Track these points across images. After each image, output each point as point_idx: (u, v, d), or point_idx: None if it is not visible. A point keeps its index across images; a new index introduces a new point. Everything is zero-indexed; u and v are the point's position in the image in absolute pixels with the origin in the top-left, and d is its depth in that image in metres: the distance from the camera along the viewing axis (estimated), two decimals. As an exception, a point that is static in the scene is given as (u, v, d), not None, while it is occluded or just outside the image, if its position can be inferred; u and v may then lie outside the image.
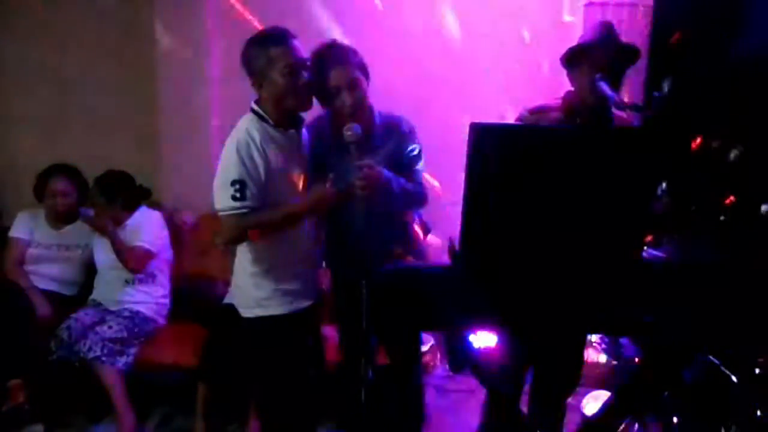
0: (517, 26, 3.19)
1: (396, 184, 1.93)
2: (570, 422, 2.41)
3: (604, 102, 1.87)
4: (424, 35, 3.22)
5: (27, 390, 2.66)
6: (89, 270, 3.03)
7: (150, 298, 2.91)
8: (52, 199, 2.97)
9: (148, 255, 2.86)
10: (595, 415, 2.44)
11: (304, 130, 2.01)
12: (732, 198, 1.80)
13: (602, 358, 3.07)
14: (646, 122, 1.80)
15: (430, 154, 2.13)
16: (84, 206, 2.91)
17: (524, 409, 2.31)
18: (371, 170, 1.83)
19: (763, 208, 1.76)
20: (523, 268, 1.43)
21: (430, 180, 2.12)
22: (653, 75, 2.62)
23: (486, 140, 1.37)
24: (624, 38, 1.99)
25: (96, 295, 2.93)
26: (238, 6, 3.17)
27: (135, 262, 2.82)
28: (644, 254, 1.53)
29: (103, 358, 2.60)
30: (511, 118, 2.14)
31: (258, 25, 1.90)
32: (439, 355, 3.19)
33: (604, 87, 1.81)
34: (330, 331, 2.65)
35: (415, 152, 2.06)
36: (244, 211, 1.81)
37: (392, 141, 2.03)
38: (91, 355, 2.60)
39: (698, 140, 1.85)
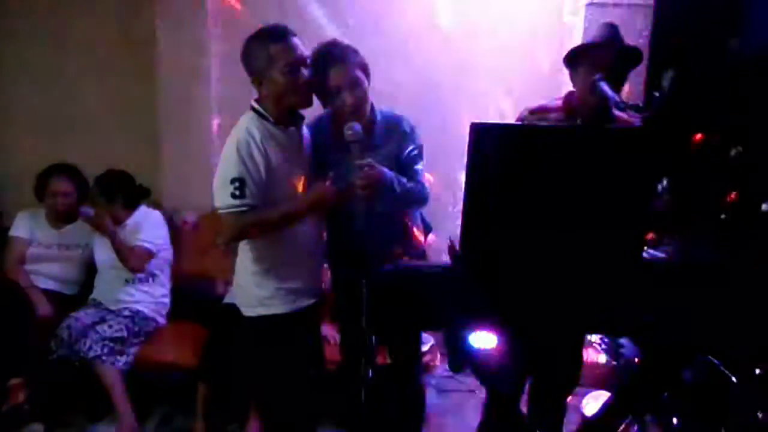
0: (517, 26, 3.19)
1: (397, 184, 1.93)
2: (570, 422, 2.41)
3: (604, 102, 1.87)
4: (424, 35, 3.22)
5: (27, 389, 2.67)
6: (89, 269, 3.03)
7: (150, 298, 2.91)
8: (52, 199, 2.97)
9: (148, 254, 2.86)
10: (595, 415, 2.44)
11: (304, 129, 2.01)
12: (733, 195, 1.79)
13: (602, 358, 3.07)
14: (646, 122, 1.79)
15: (430, 154, 2.13)
16: (85, 206, 2.91)
17: (524, 409, 2.31)
18: (372, 169, 1.83)
19: (764, 207, 1.76)
20: (523, 268, 1.43)
21: (429, 178, 2.12)
22: (653, 75, 2.61)
23: (486, 140, 1.37)
24: (624, 38, 1.99)
25: (96, 294, 2.93)
26: (239, 6, 3.17)
27: (135, 262, 2.82)
28: (644, 254, 1.53)
29: (104, 358, 2.61)
30: (511, 118, 2.14)
31: (258, 25, 1.89)
32: (439, 355, 3.19)
33: (605, 87, 1.81)
34: (330, 331, 2.66)
35: (416, 152, 2.06)
36: (244, 209, 1.81)
37: (393, 140, 2.03)
38: (91, 354, 2.60)
39: (698, 138, 1.84)
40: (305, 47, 1.88)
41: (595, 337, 3.04)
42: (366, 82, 1.96)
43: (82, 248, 3.02)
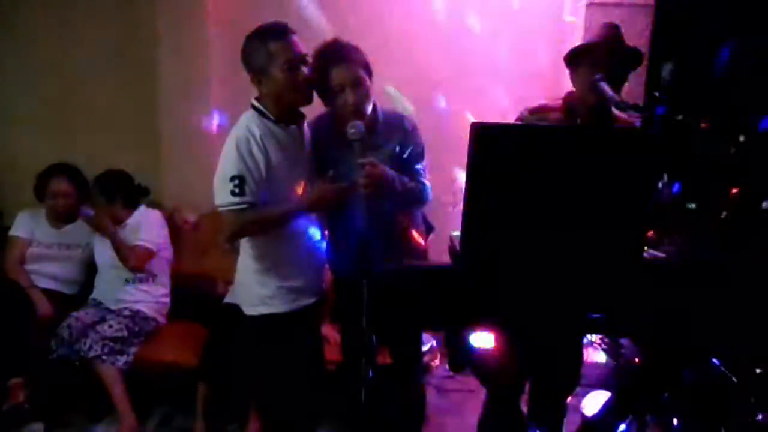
0: (518, 26, 3.19)
1: (398, 183, 1.93)
2: (570, 422, 2.41)
3: (604, 102, 1.87)
4: (425, 35, 3.22)
5: (27, 389, 2.66)
6: (90, 269, 3.03)
7: (150, 297, 2.91)
8: (52, 200, 2.97)
9: (148, 254, 2.86)
10: (595, 415, 2.45)
11: (305, 127, 2.01)
12: (734, 191, 1.79)
13: (602, 358, 3.07)
14: (646, 122, 1.80)
15: (430, 153, 2.13)
16: (85, 206, 2.91)
17: (524, 409, 2.31)
18: (374, 168, 1.83)
19: (765, 204, 1.76)
20: (523, 268, 1.43)
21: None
22: (653, 75, 2.62)
23: (486, 140, 1.37)
24: (624, 38, 1.99)
25: (96, 294, 2.94)
26: (239, 6, 3.17)
27: (136, 261, 2.82)
28: (645, 254, 1.53)
29: (104, 357, 2.61)
30: (511, 118, 2.14)
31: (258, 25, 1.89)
32: (439, 355, 3.19)
33: (605, 87, 1.81)
34: (331, 331, 2.66)
35: (418, 151, 2.06)
36: (243, 206, 1.81)
37: (395, 139, 2.03)
38: (91, 354, 2.60)
39: (698, 136, 1.84)
40: (306, 47, 1.88)
41: (595, 337, 3.04)
42: (369, 81, 1.96)
43: (83, 248, 3.02)
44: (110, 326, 2.69)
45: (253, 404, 2.56)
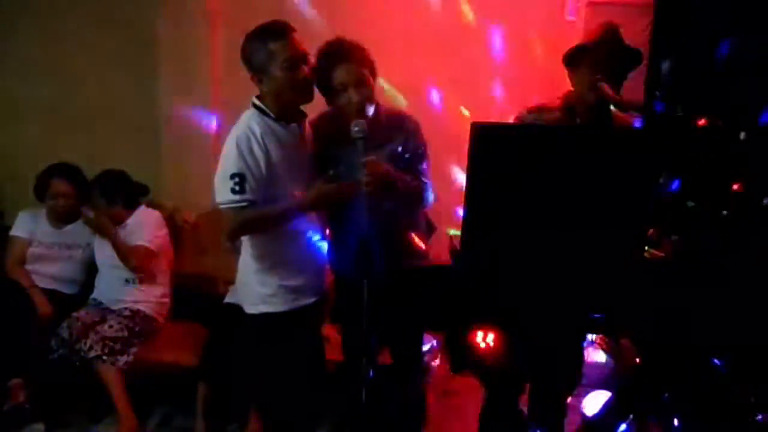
0: (518, 26, 3.19)
1: (400, 182, 1.93)
2: (570, 422, 2.41)
3: (604, 102, 1.87)
4: (425, 35, 3.22)
5: (28, 389, 2.66)
6: (90, 269, 3.03)
7: (150, 297, 2.90)
8: (52, 201, 2.97)
9: (148, 254, 2.86)
10: (595, 415, 2.45)
11: (307, 125, 2.01)
12: (735, 188, 1.78)
13: (602, 358, 3.07)
14: (647, 120, 1.80)
15: (430, 153, 2.13)
16: (85, 206, 2.91)
17: (524, 409, 2.31)
18: (376, 166, 1.83)
19: (765, 201, 1.75)
20: (523, 268, 1.43)
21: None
22: (654, 75, 2.61)
23: (486, 140, 1.37)
24: (624, 38, 1.99)
25: (97, 294, 2.94)
26: (239, 6, 3.17)
27: (136, 262, 2.82)
28: (645, 254, 1.53)
29: (104, 357, 2.61)
30: (511, 118, 2.14)
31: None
32: (439, 355, 3.19)
33: (605, 87, 1.81)
34: (331, 331, 2.65)
35: (420, 150, 2.06)
36: (244, 204, 1.81)
37: (397, 138, 2.02)
38: (91, 354, 2.60)
39: (702, 123, 1.83)
40: (306, 47, 1.88)
41: (595, 337, 3.04)
42: (372, 80, 1.95)
43: (83, 248, 3.02)
44: (110, 326, 2.69)
45: (253, 404, 2.56)
